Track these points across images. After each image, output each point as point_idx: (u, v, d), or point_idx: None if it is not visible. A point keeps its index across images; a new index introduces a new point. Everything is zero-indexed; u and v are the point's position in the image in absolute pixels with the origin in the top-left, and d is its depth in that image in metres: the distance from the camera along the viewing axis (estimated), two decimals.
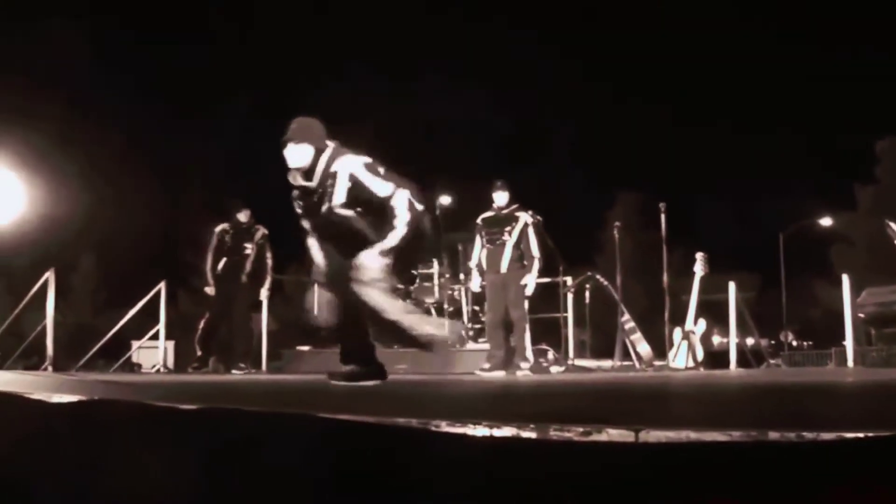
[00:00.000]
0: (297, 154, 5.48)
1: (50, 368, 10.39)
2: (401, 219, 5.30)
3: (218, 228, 10.92)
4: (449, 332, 5.94)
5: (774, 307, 31.25)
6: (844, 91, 54.47)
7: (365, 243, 5.37)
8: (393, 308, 5.32)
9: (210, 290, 10.76)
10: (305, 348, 12.14)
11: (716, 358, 12.11)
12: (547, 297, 12.06)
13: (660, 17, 58.60)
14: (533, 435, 1.74)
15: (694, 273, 11.64)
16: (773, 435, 1.69)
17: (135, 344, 14.05)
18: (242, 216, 10.87)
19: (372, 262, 5.25)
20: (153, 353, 13.20)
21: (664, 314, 11.85)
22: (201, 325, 10.80)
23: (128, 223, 37.76)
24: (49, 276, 10.78)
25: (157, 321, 11.83)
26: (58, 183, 30.83)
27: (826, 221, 34.70)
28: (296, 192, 5.62)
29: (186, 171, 45.02)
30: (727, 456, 1.35)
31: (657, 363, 11.49)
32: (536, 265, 9.41)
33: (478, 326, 11.45)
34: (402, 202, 5.33)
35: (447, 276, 11.82)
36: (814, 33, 59.59)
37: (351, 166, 5.44)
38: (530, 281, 9.34)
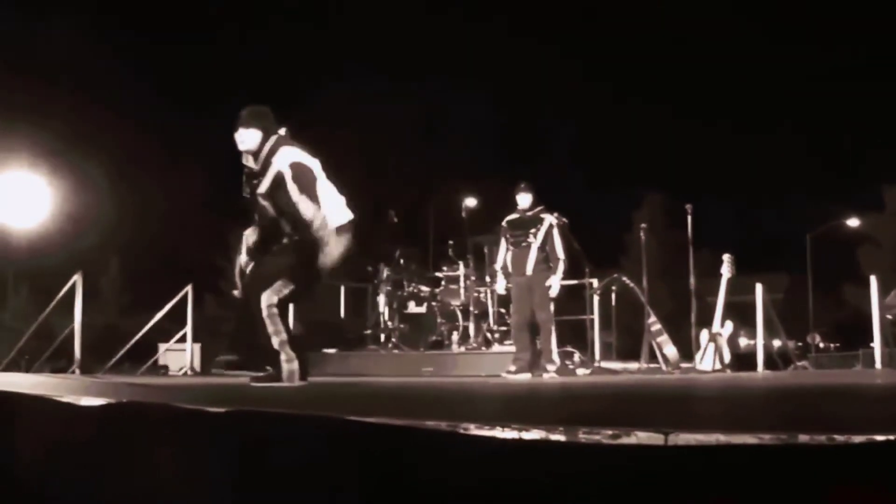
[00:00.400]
0: (246, 138, 5.82)
1: (77, 371, 10.46)
2: (330, 249, 5.79)
3: (247, 232, 10.95)
4: (286, 374, 5.90)
5: (801, 309, 31.06)
6: (855, 90, 54.06)
7: (278, 238, 6.01)
8: (270, 327, 5.95)
9: (238, 293, 10.79)
10: (332, 351, 12.16)
11: (743, 360, 12.03)
12: (573, 298, 12.05)
13: (660, 17, 58.25)
14: (562, 437, 1.73)
15: (721, 274, 11.56)
16: (803, 437, 1.68)
17: (161, 347, 14.13)
18: None
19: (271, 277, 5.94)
20: (180, 356, 13.26)
21: (691, 316, 11.80)
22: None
23: (153, 226, 37.99)
24: (77, 278, 10.86)
25: (181, 324, 11.91)
26: (83, 186, 31.09)
27: (853, 222, 34.48)
28: (245, 173, 5.98)
29: (212, 172, 45.18)
30: (757, 458, 1.34)
31: (684, 365, 11.44)
32: (561, 267, 9.39)
33: (503, 329, 11.44)
34: (319, 221, 5.75)
35: (473, 278, 11.81)
36: (814, 33, 59.09)
37: (282, 164, 5.74)
38: (555, 283, 9.33)
